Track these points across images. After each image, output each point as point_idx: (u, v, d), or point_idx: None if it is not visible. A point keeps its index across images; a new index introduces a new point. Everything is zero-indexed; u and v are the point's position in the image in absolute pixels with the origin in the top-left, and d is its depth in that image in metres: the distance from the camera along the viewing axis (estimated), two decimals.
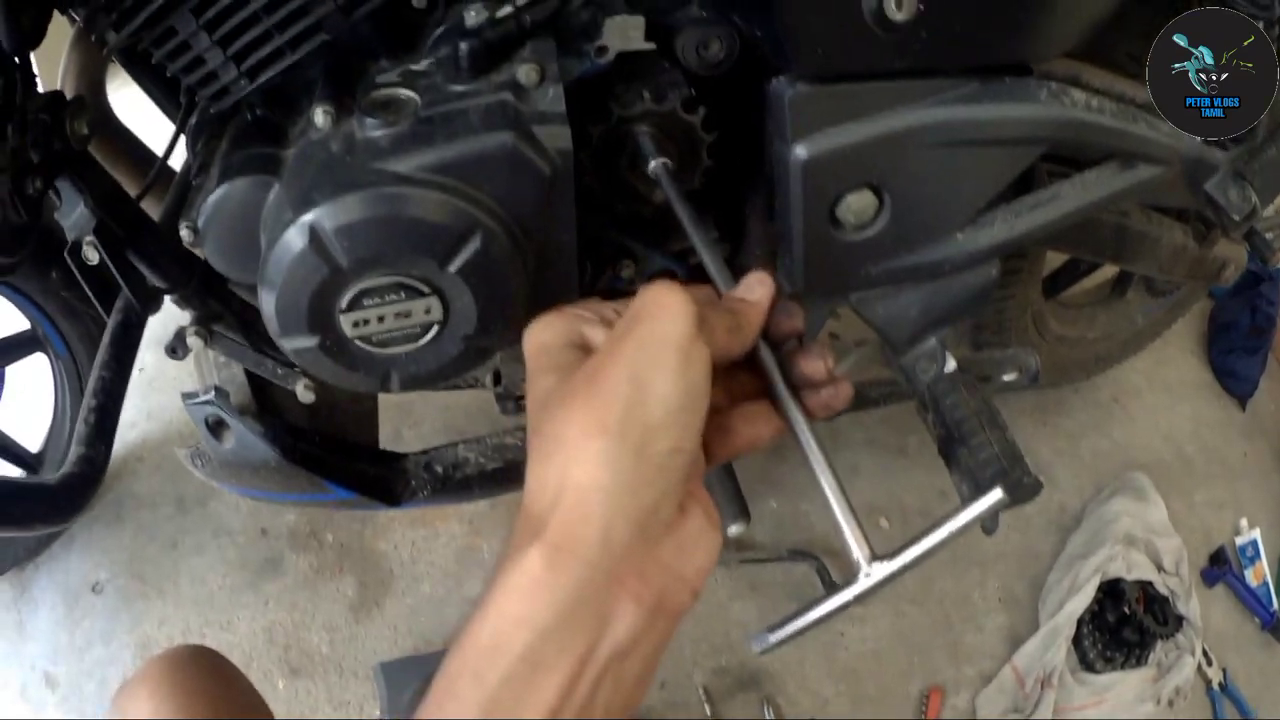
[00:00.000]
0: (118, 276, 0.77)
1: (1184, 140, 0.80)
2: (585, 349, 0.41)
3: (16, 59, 0.69)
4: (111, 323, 0.86)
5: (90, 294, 0.82)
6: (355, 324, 0.64)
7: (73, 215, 0.75)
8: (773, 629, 0.45)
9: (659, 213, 0.74)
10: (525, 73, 0.61)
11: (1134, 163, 0.80)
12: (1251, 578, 1.46)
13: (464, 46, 0.62)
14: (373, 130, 0.62)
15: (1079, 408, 1.55)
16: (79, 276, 0.78)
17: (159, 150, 1.06)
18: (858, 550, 0.44)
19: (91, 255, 0.75)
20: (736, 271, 0.50)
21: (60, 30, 0.78)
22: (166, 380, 1.50)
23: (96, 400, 0.81)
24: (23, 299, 1.15)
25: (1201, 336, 1.69)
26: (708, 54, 0.67)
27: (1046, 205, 0.77)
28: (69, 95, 0.81)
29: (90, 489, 0.75)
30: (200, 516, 1.35)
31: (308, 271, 0.61)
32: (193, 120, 0.79)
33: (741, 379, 0.46)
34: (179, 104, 0.88)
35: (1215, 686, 1.34)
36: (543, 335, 0.41)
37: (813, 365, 0.45)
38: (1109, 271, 1.40)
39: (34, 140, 0.71)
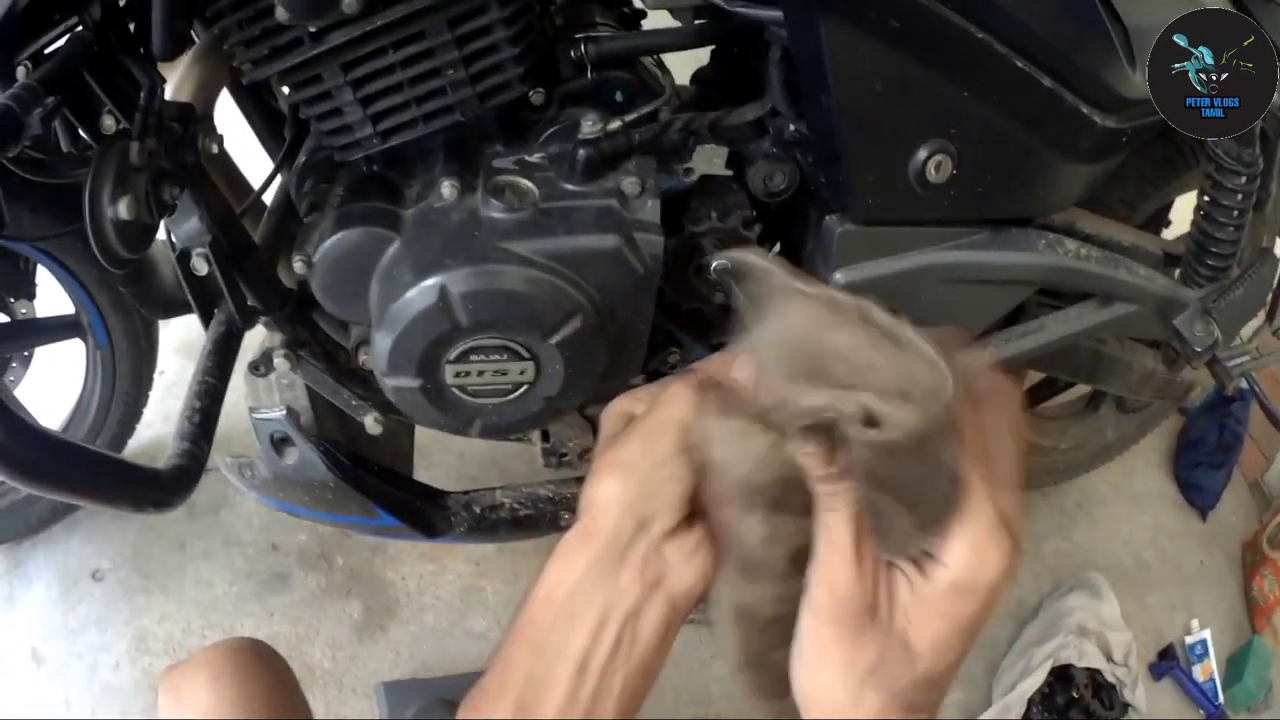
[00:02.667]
0: (225, 290, 0.88)
1: (1158, 282, 0.99)
2: (630, 421, 0.56)
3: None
4: (213, 332, 0.98)
5: (195, 302, 0.93)
6: (457, 374, 0.80)
7: (186, 225, 0.85)
8: None
9: (709, 312, 0.91)
10: (630, 184, 0.78)
11: (1112, 301, 0.99)
12: (1198, 674, 1.61)
13: (581, 153, 0.78)
14: (496, 211, 0.77)
15: (1045, 511, 1.72)
16: (184, 283, 0.89)
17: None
18: None
19: (200, 266, 0.86)
20: None
21: None
22: (185, 386, 1.63)
23: (200, 402, 0.94)
24: (76, 285, 1.23)
25: (1169, 451, 1.89)
26: (772, 184, 0.85)
27: (1033, 335, 0.96)
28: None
29: (193, 482, 0.88)
30: (211, 523, 1.47)
31: (429, 325, 0.77)
32: (300, 160, 0.93)
33: None
34: (281, 140, 1.03)
35: None
36: (610, 409, 0.58)
37: None
38: (1084, 388, 1.58)
39: (165, 148, 0.79)
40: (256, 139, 1.10)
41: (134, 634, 1.37)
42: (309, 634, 1.38)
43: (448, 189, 0.79)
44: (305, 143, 0.94)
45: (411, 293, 0.77)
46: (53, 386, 1.43)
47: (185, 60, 0.92)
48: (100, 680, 1.33)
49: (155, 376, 1.42)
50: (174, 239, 0.87)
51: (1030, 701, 1.43)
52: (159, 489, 0.86)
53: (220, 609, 1.40)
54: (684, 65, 0.97)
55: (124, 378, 1.36)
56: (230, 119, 1.02)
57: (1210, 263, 0.98)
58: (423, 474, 1.53)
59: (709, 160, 0.82)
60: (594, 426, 1.04)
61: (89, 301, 1.27)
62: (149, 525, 1.47)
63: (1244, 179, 0.87)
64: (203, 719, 0.74)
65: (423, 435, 1.26)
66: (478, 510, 1.10)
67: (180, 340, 1.72)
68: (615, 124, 0.80)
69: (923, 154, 0.75)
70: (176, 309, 1.28)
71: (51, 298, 1.31)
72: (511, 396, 0.82)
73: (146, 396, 1.42)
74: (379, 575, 1.45)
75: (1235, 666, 1.63)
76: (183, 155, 0.84)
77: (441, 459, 1.56)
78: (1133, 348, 1.24)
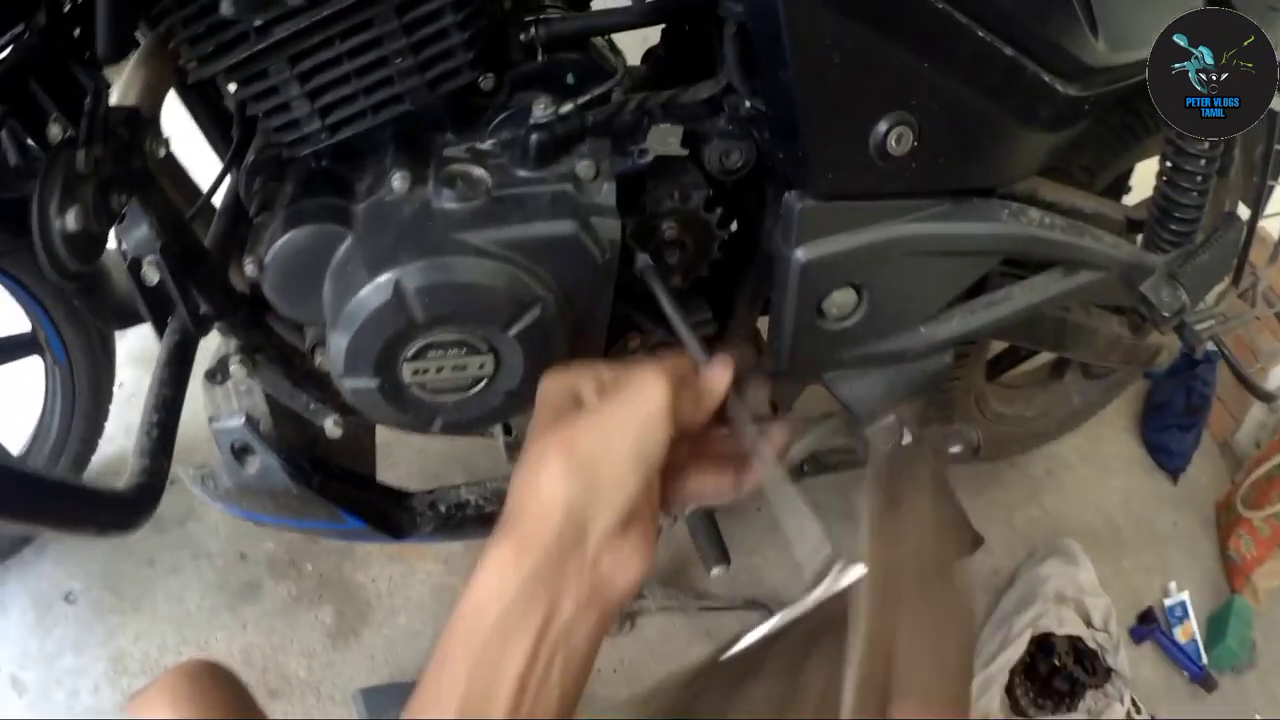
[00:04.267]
0: (177, 297, 0.84)
1: (1124, 249, 0.99)
2: (578, 401, 0.55)
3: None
4: (167, 342, 0.95)
5: (147, 311, 0.90)
6: (415, 372, 0.78)
7: (136, 233, 0.82)
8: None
9: None
10: (584, 168, 0.76)
11: (1078, 269, 0.98)
12: (1180, 636, 1.62)
13: (533, 138, 0.76)
14: (449, 202, 0.75)
15: (1014, 480, 1.72)
16: (139, 293, 0.85)
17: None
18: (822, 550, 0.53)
19: (151, 275, 0.82)
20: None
21: None
22: (144, 398, 1.59)
23: (158, 415, 0.90)
24: (31, 301, 1.20)
25: (1135, 415, 1.90)
26: (728, 162, 0.83)
27: (999, 304, 0.95)
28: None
29: (155, 499, 0.85)
30: (178, 536, 1.44)
31: (385, 322, 0.74)
32: (248, 160, 0.90)
33: (706, 446, 0.59)
34: (229, 141, 0.99)
35: None
36: (552, 383, 0.56)
37: (758, 395, 0.60)
38: (1048, 355, 1.59)
39: (112, 154, 0.76)
40: (205, 140, 1.07)
41: (110, 655, 1.34)
42: (283, 643, 1.35)
43: (398, 181, 0.77)
44: (253, 141, 0.92)
45: (365, 290, 0.74)
46: (14, 407, 1.39)
47: (130, 63, 0.89)
48: (81, 705, 1.30)
49: (115, 388, 1.39)
50: (124, 248, 0.83)
51: (1012, 672, 1.42)
52: (121, 510, 0.83)
53: (193, 624, 1.37)
54: (636, 46, 0.95)
55: (84, 393, 1.33)
56: (178, 121, 0.98)
57: (1174, 228, 0.98)
58: (385, 472, 1.51)
59: (664, 140, 0.79)
60: None
61: (45, 317, 1.24)
62: (117, 543, 1.44)
63: (1208, 145, 0.86)
64: None
65: (383, 432, 1.24)
66: (443, 509, 1.08)
67: (136, 351, 1.67)
68: (567, 107, 0.77)
69: (883, 126, 0.73)
70: (131, 319, 1.24)
71: (7, 315, 1.28)
72: (472, 391, 0.80)
73: (107, 410, 1.39)
74: (349, 579, 1.43)
75: (1216, 627, 1.64)
76: (130, 161, 0.81)
77: (403, 456, 1.53)
78: (1098, 314, 1.23)
